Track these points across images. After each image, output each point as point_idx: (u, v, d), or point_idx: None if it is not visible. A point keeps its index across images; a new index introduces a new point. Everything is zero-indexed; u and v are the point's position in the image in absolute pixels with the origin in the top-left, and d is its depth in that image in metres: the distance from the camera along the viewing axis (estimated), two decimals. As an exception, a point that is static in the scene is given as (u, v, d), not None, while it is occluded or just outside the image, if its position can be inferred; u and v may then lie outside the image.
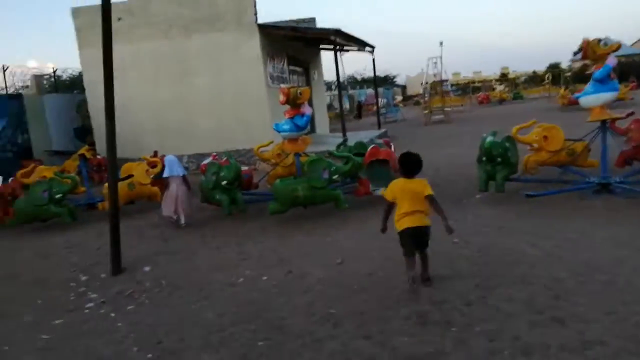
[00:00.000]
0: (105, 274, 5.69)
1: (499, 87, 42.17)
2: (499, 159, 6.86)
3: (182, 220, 7.47)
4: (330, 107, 30.15)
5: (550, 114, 19.61)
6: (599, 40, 6.33)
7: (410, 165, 4.17)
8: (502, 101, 33.71)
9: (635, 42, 58.49)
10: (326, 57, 29.15)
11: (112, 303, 4.84)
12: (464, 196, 7.53)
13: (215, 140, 13.53)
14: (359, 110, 33.90)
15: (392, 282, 4.52)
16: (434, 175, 9.27)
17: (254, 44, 13.12)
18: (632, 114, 7.21)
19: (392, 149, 8.24)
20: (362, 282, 4.61)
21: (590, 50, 6.37)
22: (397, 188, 4.18)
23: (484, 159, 6.95)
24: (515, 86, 44.38)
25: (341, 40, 13.32)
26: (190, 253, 6.14)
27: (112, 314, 4.58)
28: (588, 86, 6.55)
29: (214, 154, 8.98)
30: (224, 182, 7.12)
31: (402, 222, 4.12)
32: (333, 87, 51.67)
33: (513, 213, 6.39)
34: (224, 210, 7.21)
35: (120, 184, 7.87)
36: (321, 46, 18.12)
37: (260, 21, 13.22)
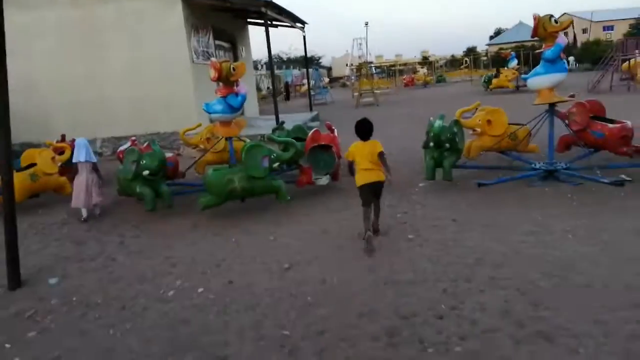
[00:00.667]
0: (-1, 289, 4.64)
1: (422, 70, 42.75)
2: (447, 145, 6.47)
3: (97, 211, 6.48)
4: (257, 87, 29.06)
5: (478, 97, 20.03)
6: (551, 17, 6.04)
7: (365, 130, 4.94)
8: (426, 84, 34.24)
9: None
10: (253, 33, 27.77)
11: (7, 329, 3.86)
12: (408, 185, 7.11)
13: (133, 122, 12.23)
14: (287, 91, 32.99)
15: (350, 289, 3.95)
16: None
17: (176, 13, 11.88)
18: (573, 96, 7.11)
19: (335, 133, 7.61)
20: (316, 291, 3.98)
21: (541, 28, 6.08)
22: (356, 149, 4.88)
23: (431, 144, 6.52)
24: (434, 69, 45.40)
25: (272, 13, 12.40)
26: (107, 259, 5.19)
27: (7, 345, 3.62)
28: (538, 67, 6.28)
29: (133, 138, 7.89)
30: (146, 172, 6.16)
31: (361, 178, 4.79)
32: (259, 66, 50.25)
33: (463, 203, 6.03)
34: (147, 205, 6.25)
35: (19, 174, 6.70)
36: (249, 20, 17.03)
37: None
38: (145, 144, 6.98)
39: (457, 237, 4.89)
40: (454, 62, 57.10)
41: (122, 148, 7.71)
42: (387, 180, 4.72)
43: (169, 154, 7.68)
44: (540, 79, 6.24)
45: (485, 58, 45.41)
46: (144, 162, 6.21)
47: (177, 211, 6.58)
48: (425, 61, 58.90)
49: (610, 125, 6.79)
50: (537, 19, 6.08)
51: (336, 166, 7.06)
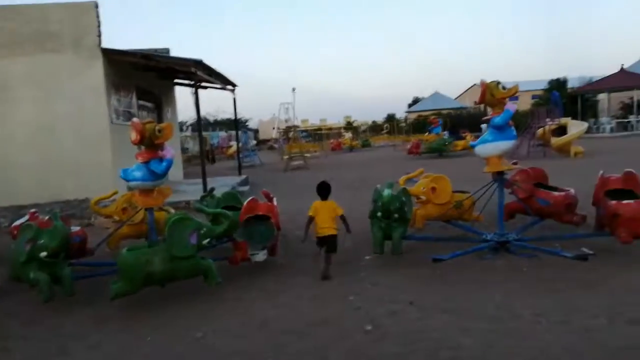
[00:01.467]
0: None
1: (348, 135, 43.73)
2: (396, 215, 5.92)
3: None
4: (182, 149, 27.90)
5: (406, 162, 20.31)
6: (498, 83, 5.84)
7: (324, 191, 5.91)
8: (352, 148, 34.72)
9: (458, 96, 66.50)
10: (180, 93, 27.01)
11: None
12: (352, 258, 6.42)
13: (39, 188, 10.75)
14: (213, 153, 32.03)
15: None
16: (310, 232, 8.07)
17: (95, 71, 10.87)
18: (516, 164, 6.92)
19: (274, 202, 6.85)
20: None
21: (489, 94, 5.86)
22: (319, 207, 5.79)
23: (379, 214, 5.95)
24: (358, 134, 46.67)
25: (202, 74, 11.73)
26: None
27: None
28: (486, 134, 6.01)
29: (33, 210, 6.62)
30: (43, 254, 4.99)
31: (320, 232, 5.70)
32: (184, 127, 49.04)
33: (417, 280, 5.41)
34: (42, 295, 5.00)
35: None
36: (176, 80, 16.26)
37: (105, 46, 11.05)
38: (46, 218, 5.79)
39: (420, 327, 4.19)
40: (375, 128, 59.10)
41: (17, 223, 6.42)
42: (346, 235, 5.85)
43: (75, 228, 6.51)
44: (489, 147, 5.96)
45: (404, 124, 47.47)
46: (42, 241, 5.06)
47: (81, 300, 5.36)
48: (349, 126, 60.72)
49: (555, 193, 6.61)
50: (485, 86, 5.87)
51: (275, 239, 6.25)
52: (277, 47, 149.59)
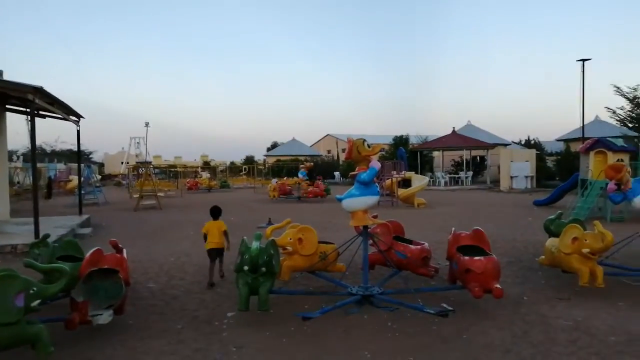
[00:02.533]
0: None
1: (205, 174, 42.54)
2: (264, 269, 5.63)
3: None
4: (10, 182, 24.38)
5: (268, 206, 20.19)
6: (364, 141, 6.01)
7: (217, 212, 7.51)
8: (210, 188, 33.73)
9: (314, 144, 69.45)
10: (13, 117, 23.85)
11: None
12: (214, 315, 5.93)
13: None
14: (49, 188, 28.43)
15: None
16: (164, 285, 7.37)
17: None
18: (376, 217, 7.14)
19: (124, 254, 6.05)
20: None
21: (355, 151, 5.99)
22: (211, 225, 7.42)
23: (246, 268, 5.59)
24: (216, 174, 45.85)
25: (42, 102, 10.32)
26: None
27: None
28: (352, 188, 6.10)
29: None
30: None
31: (211, 244, 7.33)
32: (14, 157, 43.06)
33: (286, 341, 5.10)
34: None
35: None
36: (9, 106, 14.15)
37: None
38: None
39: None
40: (233, 169, 58.63)
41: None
42: (226, 247, 7.45)
43: None
44: (355, 201, 6.04)
45: (263, 167, 47.86)
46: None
47: None
48: (207, 165, 59.29)
49: (412, 247, 6.92)
50: (352, 143, 6.00)
51: (123, 297, 5.46)
52: (131, 79, 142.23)
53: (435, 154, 39.05)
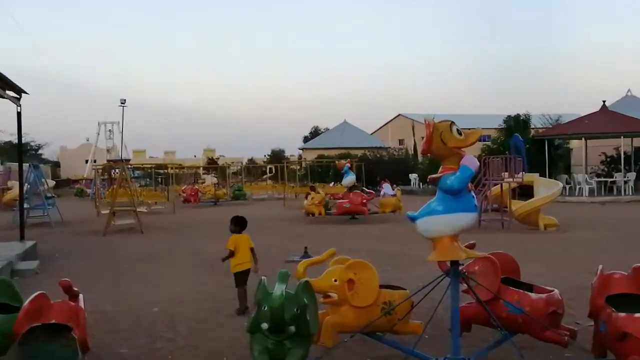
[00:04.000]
0: None
1: (209, 179, 43.38)
2: (293, 328, 5.66)
3: None
4: None
5: (306, 228, 20.27)
6: (451, 124, 5.90)
7: (243, 224, 9.09)
8: (217, 200, 34.36)
9: (375, 130, 69.76)
10: None
11: None
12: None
13: None
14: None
15: None
16: (143, 350, 7.48)
17: None
18: (473, 245, 7.03)
19: (81, 302, 6.22)
20: None
21: (438, 140, 5.86)
22: (239, 240, 8.91)
23: (265, 326, 5.63)
24: (227, 178, 46.42)
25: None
26: None
27: None
28: (434, 201, 6.01)
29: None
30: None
31: (242, 266, 8.89)
32: None
33: None
34: None
35: None
36: None
37: None
38: None
39: None
40: (252, 170, 59.45)
41: None
42: (255, 268, 8.94)
43: None
44: (438, 221, 5.91)
45: (298, 167, 48.23)
46: None
47: None
48: (212, 165, 60.36)
49: (533, 296, 6.73)
50: (432, 127, 5.87)
51: (80, 365, 5.60)
52: (106, 40, 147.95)
53: (574, 144, 38.02)
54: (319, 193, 23.63)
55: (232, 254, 8.85)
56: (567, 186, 31.25)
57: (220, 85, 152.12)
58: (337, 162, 29.59)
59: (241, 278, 8.87)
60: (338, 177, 33.95)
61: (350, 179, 25.88)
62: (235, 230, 9.01)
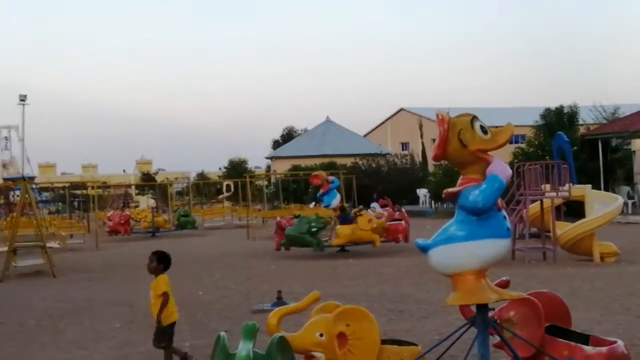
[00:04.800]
0: None
1: (143, 200, 43.35)
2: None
3: None
4: None
5: (278, 264, 20.27)
6: (473, 119, 5.99)
7: (168, 260, 9.23)
8: (156, 230, 34.21)
9: (369, 132, 70.25)
10: None
11: None
12: None
13: None
14: None
15: None
16: None
17: None
18: (507, 283, 7.10)
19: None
20: None
21: (455, 140, 5.95)
22: (167, 281, 9.04)
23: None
24: (169, 200, 46.16)
25: None
26: None
27: None
28: (452, 223, 6.07)
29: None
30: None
31: (174, 315, 9.03)
32: None
33: None
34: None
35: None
36: None
37: None
38: None
39: None
40: (203, 188, 59.27)
41: None
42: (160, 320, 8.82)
43: None
44: (458, 251, 6.01)
45: (266, 184, 48.26)
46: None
47: None
48: (148, 182, 60.37)
49: (588, 349, 6.79)
50: (448, 123, 5.95)
51: None
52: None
53: (638, 144, 38.27)
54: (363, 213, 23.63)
55: (167, 300, 8.88)
56: (630, 201, 31.43)
57: (157, 77, 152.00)
58: (315, 174, 29.36)
59: (172, 332, 8.99)
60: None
61: (334, 200, 25.97)
62: (159, 268, 9.07)
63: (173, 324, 8.97)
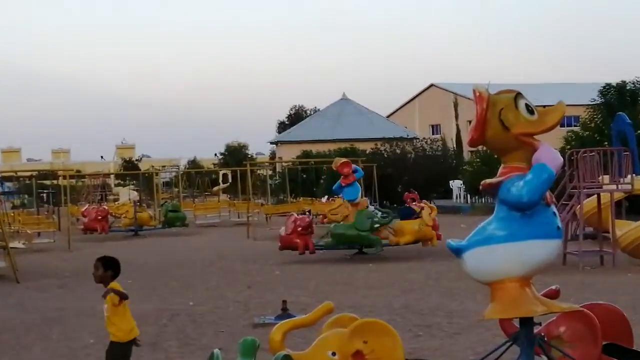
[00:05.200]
0: None
1: (124, 192, 43.47)
2: None
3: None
4: None
5: (284, 269, 20.31)
6: (517, 96, 5.96)
7: (117, 267, 9.07)
8: (140, 227, 34.23)
9: (392, 113, 70.46)
10: None
11: None
12: None
13: None
14: None
15: None
16: None
17: None
18: (558, 293, 7.10)
19: None
20: None
21: (496, 121, 5.91)
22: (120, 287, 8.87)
23: None
24: (154, 192, 46.30)
25: None
26: None
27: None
28: (491, 221, 6.06)
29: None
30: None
31: (135, 330, 8.81)
32: None
33: None
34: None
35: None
36: None
37: None
38: None
39: None
40: (195, 178, 59.59)
41: None
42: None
43: None
44: (498, 254, 6.00)
45: (272, 173, 48.34)
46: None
47: None
48: (130, 172, 60.59)
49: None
50: (487, 101, 5.92)
51: None
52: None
53: None
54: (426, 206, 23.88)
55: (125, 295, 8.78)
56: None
57: (141, 50, 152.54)
58: (345, 161, 29.15)
59: (130, 351, 8.88)
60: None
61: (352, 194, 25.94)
62: (106, 276, 8.91)
63: (132, 341, 8.81)
